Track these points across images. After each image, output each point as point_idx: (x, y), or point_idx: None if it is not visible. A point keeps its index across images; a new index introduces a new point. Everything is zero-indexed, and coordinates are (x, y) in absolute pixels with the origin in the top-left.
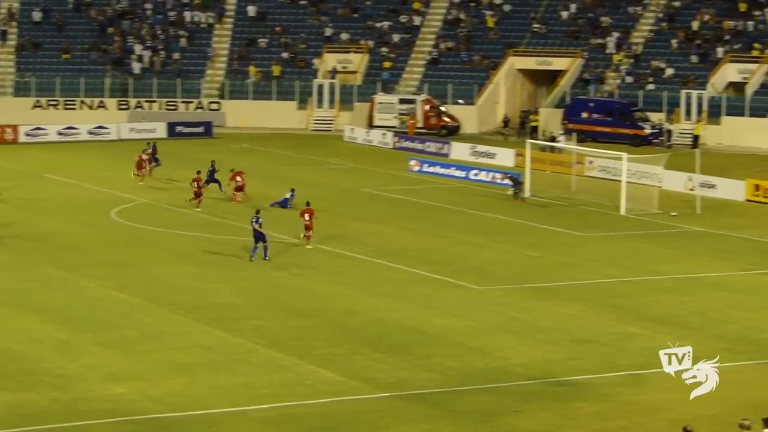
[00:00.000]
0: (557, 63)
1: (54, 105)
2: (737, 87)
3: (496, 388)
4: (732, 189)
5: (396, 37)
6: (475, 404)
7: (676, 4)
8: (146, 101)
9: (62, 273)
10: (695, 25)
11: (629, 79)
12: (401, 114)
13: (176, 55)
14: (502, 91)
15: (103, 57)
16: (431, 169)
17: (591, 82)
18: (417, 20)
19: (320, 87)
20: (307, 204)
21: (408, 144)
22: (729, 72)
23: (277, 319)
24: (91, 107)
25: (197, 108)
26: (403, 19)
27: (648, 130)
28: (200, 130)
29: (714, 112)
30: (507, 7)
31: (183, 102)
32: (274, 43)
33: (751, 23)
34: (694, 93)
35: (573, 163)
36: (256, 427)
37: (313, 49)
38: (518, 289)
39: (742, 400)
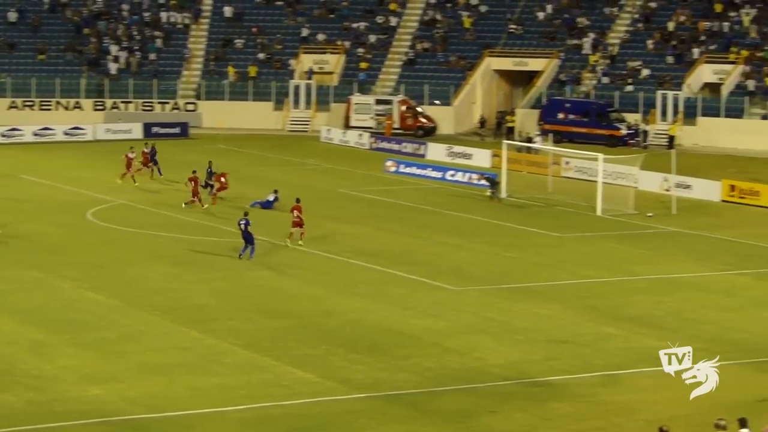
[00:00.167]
0: (533, 64)
1: (30, 106)
2: (713, 88)
3: (473, 389)
4: (708, 189)
5: (372, 38)
6: (452, 405)
7: (652, 5)
8: (122, 102)
9: (38, 274)
10: (671, 25)
11: (605, 80)
12: (378, 115)
13: (152, 56)
14: (479, 91)
15: (79, 58)
16: (408, 170)
17: (567, 83)
18: (393, 21)
19: (297, 88)
20: (297, 201)
21: (384, 145)
22: (705, 73)
23: (253, 320)
24: (66, 108)
25: (173, 109)
26: (379, 19)
27: (624, 131)
28: (176, 130)
29: (690, 113)
30: (483, 8)
31: (159, 103)
32: (251, 44)
33: (726, 24)
34: (670, 94)
35: (549, 164)
36: (233, 428)
37: (289, 50)
38: (495, 289)
39: (718, 400)
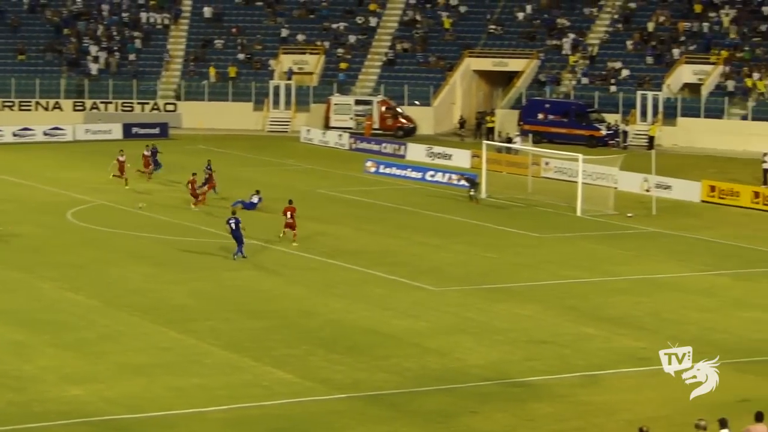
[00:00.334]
0: (513, 64)
1: (9, 106)
2: (692, 88)
3: (453, 389)
4: (687, 190)
5: (352, 38)
6: (432, 405)
7: (632, 5)
8: (102, 102)
9: (18, 274)
10: (650, 26)
11: (585, 80)
12: (357, 115)
13: (132, 56)
14: (459, 92)
15: (59, 58)
16: (388, 171)
17: (547, 84)
18: (373, 21)
19: (276, 88)
20: (290, 202)
21: (364, 145)
22: (684, 73)
23: (233, 321)
24: (46, 108)
25: (153, 109)
26: (359, 20)
27: (604, 131)
28: (156, 131)
29: (669, 113)
30: (463, 9)
31: (139, 103)
32: (230, 45)
33: (706, 25)
34: (650, 94)
35: (529, 164)
36: (214, 429)
37: (269, 50)
38: (475, 290)
39: (698, 400)
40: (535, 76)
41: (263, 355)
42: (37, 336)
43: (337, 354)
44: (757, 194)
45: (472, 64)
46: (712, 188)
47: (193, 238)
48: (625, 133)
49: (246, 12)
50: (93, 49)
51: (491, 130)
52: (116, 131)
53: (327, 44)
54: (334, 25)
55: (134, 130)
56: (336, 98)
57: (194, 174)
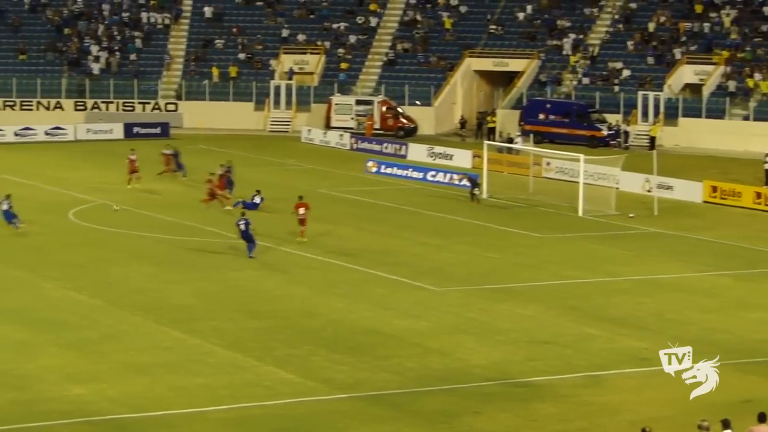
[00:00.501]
0: (514, 64)
1: (11, 106)
2: (694, 89)
3: (456, 389)
4: (689, 190)
5: (352, 38)
6: (435, 405)
7: (633, 5)
8: (103, 102)
9: (20, 273)
10: (651, 26)
11: (586, 81)
12: (358, 115)
13: (133, 56)
14: (459, 92)
15: (60, 58)
16: (389, 171)
17: (548, 84)
18: (373, 21)
19: (277, 88)
20: (300, 198)
21: (365, 145)
22: (685, 73)
23: (235, 320)
24: (47, 108)
25: (154, 109)
26: (359, 20)
27: (605, 132)
28: (157, 131)
29: (671, 114)
30: (463, 9)
31: (140, 103)
32: (231, 44)
33: (707, 25)
34: (651, 94)
35: (530, 165)
36: (215, 428)
37: (269, 50)
38: (476, 290)
39: (701, 401)
40: (536, 76)
41: (265, 354)
42: (40, 335)
43: (339, 354)
44: (759, 195)
45: (472, 64)
46: (714, 189)
47: (196, 237)
48: (627, 133)
49: (246, 12)
50: (94, 49)
51: (492, 131)
52: (117, 131)
53: (327, 44)
54: (335, 25)
55: (135, 129)
56: (337, 98)
57: (212, 174)
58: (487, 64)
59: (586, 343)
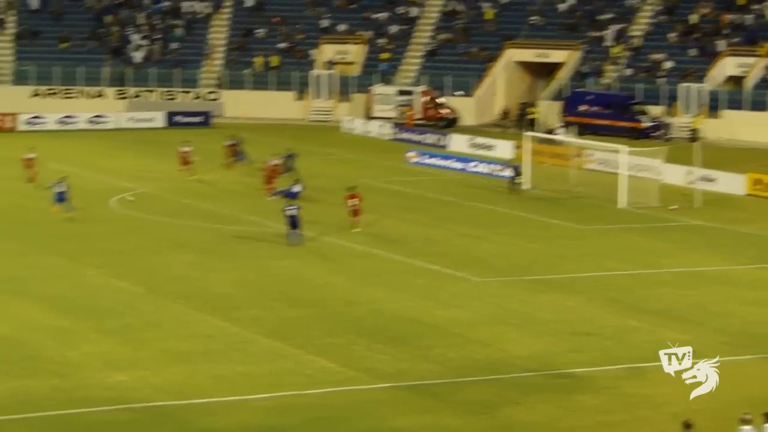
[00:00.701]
0: (555, 55)
1: (53, 94)
2: (736, 81)
3: (497, 380)
4: (732, 183)
5: (394, 29)
6: (476, 395)
7: None
8: (145, 91)
9: (62, 261)
10: (694, 18)
11: (628, 72)
12: (400, 105)
13: (174, 45)
14: (500, 83)
15: (102, 46)
16: (429, 161)
17: (589, 75)
18: (414, 12)
19: (318, 78)
20: (352, 188)
21: (406, 135)
22: (728, 65)
23: (276, 309)
24: (89, 96)
25: (195, 98)
26: (400, 10)
27: (646, 123)
28: (199, 119)
29: (713, 106)
30: None
31: (181, 92)
32: (272, 34)
33: (750, 17)
34: (693, 86)
35: (572, 156)
36: (256, 416)
37: (310, 40)
38: (517, 281)
39: (743, 394)
40: (578, 67)
41: (306, 343)
42: (82, 322)
43: (380, 343)
44: None
45: (513, 55)
46: (758, 181)
47: (238, 226)
48: (669, 125)
49: (287, 1)
50: (135, 38)
51: (533, 122)
52: (159, 119)
53: (369, 34)
54: (376, 16)
55: (177, 118)
56: (378, 88)
57: (267, 161)
58: (529, 55)
59: (628, 335)
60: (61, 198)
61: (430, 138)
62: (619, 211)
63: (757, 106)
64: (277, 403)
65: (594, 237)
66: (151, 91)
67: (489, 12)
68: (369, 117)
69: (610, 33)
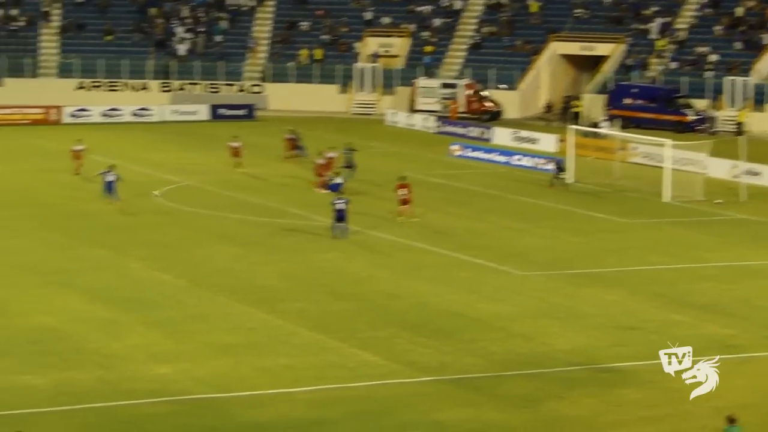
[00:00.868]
0: (600, 49)
1: (97, 86)
2: None
3: (540, 374)
4: None
5: (437, 22)
6: (519, 389)
7: None
8: (189, 83)
9: (107, 253)
10: (739, 11)
11: (673, 65)
12: (443, 98)
13: (218, 38)
14: (545, 76)
15: (146, 39)
16: (473, 154)
17: (634, 68)
18: (458, 4)
19: (362, 71)
20: (403, 178)
21: (450, 128)
22: None
23: (319, 302)
24: (134, 89)
25: (239, 91)
26: (444, 3)
27: (691, 117)
28: (243, 112)
29: (758, 99)
30: None
31: (225, 85)
32: (316, 27)
33: None
34: (739, 79)
35: (616, 150)
36: (300, 409)
37: (354, 33)
38: (561, 275)
39: None
40: (622, 60)
41: (349, 336)
42: (126, 314)
43: (422, 337)
44: None
45: (558, 48)
46: None
47: (282, 219)
48: (714, 118)
49: None
50: (179, 31)
51: (578, 115)
52: (203, 112)
53: (412, 27)
54: (419, 8)
55: (221, 111)
56: (422, 81)
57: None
58: (573, 48)
59: (672, 329)
60: (110, 188)
61: (473, 131)
62: (664, 204)
63: None
64: (320, 396)
65: (638, 231)
66: (195, 84)
67: (534, 5)
68: (413, 110)
69: (655, 26)
